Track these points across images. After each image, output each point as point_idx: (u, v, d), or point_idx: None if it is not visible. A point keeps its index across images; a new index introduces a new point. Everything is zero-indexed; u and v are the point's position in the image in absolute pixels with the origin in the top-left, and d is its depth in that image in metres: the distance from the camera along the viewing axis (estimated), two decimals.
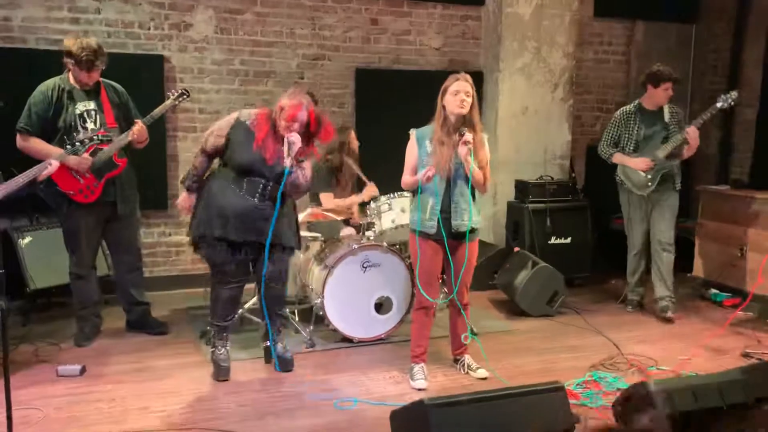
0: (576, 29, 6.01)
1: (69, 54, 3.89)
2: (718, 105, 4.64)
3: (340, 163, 4.82)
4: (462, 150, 3.41)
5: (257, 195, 3.57)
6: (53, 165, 3.48)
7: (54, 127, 3.92)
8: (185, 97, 4.23)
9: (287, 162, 3.48)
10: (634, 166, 4.81)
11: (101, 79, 4.07)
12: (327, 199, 4.76)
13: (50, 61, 4.79)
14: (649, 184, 4.78)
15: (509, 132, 5.89)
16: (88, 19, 5.05)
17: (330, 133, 3.70)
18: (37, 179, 3.47)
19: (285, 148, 3.48)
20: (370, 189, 4.76)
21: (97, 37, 4.97)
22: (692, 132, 4.63)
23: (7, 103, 4.22)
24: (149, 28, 5.21)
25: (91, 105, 4.01)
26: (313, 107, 3.59)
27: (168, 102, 4.18)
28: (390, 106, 5.70)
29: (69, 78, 3.99)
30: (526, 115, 5.92)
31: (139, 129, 4.00)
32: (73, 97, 3.96)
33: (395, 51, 5.91)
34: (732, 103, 4.66)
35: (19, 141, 3.93)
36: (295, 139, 3.48)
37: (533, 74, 5.89)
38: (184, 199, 3.74)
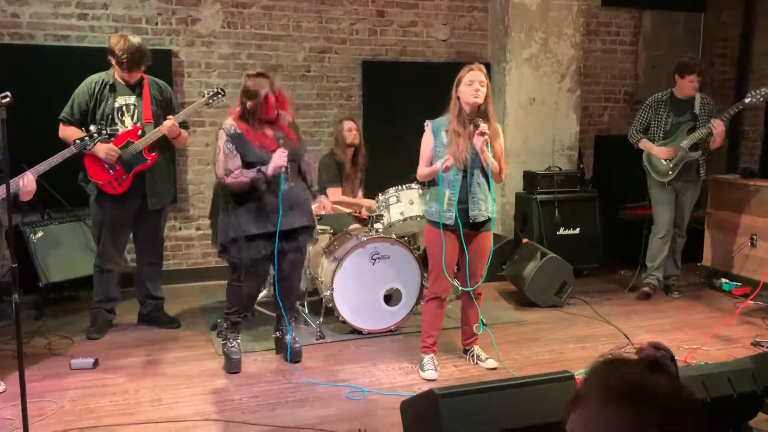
0: (583, 19, 5.98)
1: (111, 52, 3.98)
2: (747, 100, 4.68)
3: (340, 156, 4.86)
4: (478, 142, 3.42)
5: (284, 181, 3.60)
6: (26, 177, 3.32)
7: (93, 118, 4.00)
8: (220, 96, 4.23)
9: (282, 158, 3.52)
10: (657, 154, 4.92)
11: (146, 75, 4.14)
12: (334, 193, 4.79)
13: (58, 57, 4.84)
14: (670, 172, 4.88)
15: (517, 123, 5.88)
16: (96, 14, 5.07)
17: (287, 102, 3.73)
18: (18, 197, 3.31)
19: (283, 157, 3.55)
20: (371, 203, 4.77)
21: (104, 32, 5.02)
22: (718, 125, 4.69)
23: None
24: (156, 23, 5.23)
25: (131, 100, 4.08)
26: (273, 87, 3.58)
27: (201, 100, 4.22)
28: (397, 98, 5.71)
29: (114, 73, 4.07)
30: (533, 105, 5.91)
31: (170, 126, 4.03)
32: (116, 90, 4.05)
33: (402, 43, 5.91)
34: (761, 99, 4.66)
35: (61, 129, 4.04)
36: (282, 157, 3.51)
37: (540, 65, 5.87)
38: (277, 159, 3.54)
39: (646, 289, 5.10)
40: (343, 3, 5.68)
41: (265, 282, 4.20)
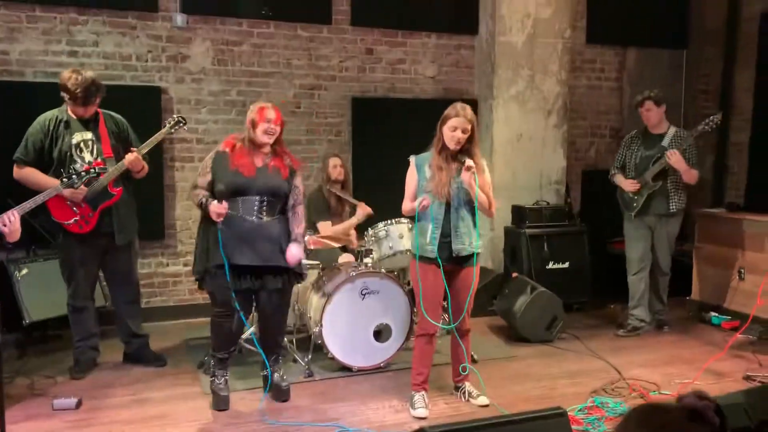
0: (568, 56, 6.09)
1: (64, 88, 3.90)
2: (699, 128, 4.74)
3: (326, 192, 4.88)
4: (465, 176, 3.44)
5: (254, 213, 3.56)
6: (11, 215, 3.23)
7: (50, 157, 3.93)
8: (181, 125, 4.17)
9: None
10: (624, 187, 4.98)
11: (100, 109, 4.08)
12: (324, 227, 4.78)
13: (48, 94, 4.83)
14: (635, 204, 4.92)
15: (505, 158, 5.93)
16: (86, 51, 5.10)
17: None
18: (4, 237, 3.24)
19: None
20: (363, 208, 4.75)
21: (94, 69, 5.02)
22: (671, 155, 4.70)
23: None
24: (146, 60, 5.27)
25: (89, 135, 4.01)
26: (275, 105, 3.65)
27: (163, 130, 4.13)
28: (386, 133, 5.75)
29: (67, 109, 4.00)
30: (521, 141, 5.97)
31: (132, 158, 3.96)
32: (71, 127, 3.97)
33: (391, 80, 5.98)
34: (714, 126, 4.71)
35: (15, 171, 3.94)
36: (218, 212, 3.46)
37: (527, 101, 5.95)
38: (214, 207, 3.50)
39: (620, 332, 5.04)
40: (332, 41, 5.76)
41: (249, 318, 4.08)
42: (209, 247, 3.54)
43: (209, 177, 3.57)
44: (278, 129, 3.62)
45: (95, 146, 4.01)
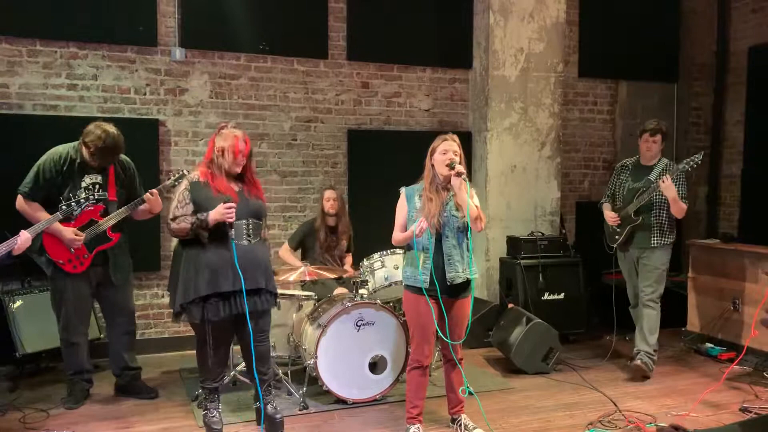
0: (561, 90, 6.18)
1: (84, 144, 3.93)
2: (680, 167, 4.56)
3: (318, 224, 4.97)
4: (455, 182, 3.46)
5: (243, 236, 3.51)
6: (22, 237, 3.34)
7: (58, 194, 3.94)
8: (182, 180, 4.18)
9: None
10: (606, 219, 4.92)
11: None
12: (284, 251, 5.01)
13: (47, 127, 4.90)
14: (617, 237, 4.85)
15: (499, 189, 5.98)
16: (85, 85, 5.16)
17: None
18: (12, 252, 3.33)
19: None
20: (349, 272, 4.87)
21: (93, 102, 5.12)
22: (663, 180, 4.50)
23: None
24: (145, 94, 5.33)
25: (98, 178, 4.06)
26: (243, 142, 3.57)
27: (168, 183, 4.20)
28: (382, 165, 5.81)
29: (82, 149, 3.99)
30: (515, 172, 6.03)
31: (154, 200, 4.05)
32: (83, 168, 4.01)
33: (386, 113, 6.06)
34: (695, 166, 4.55)
35: (20, 202, 3.93)
36: (225, 211, 3.39)
37: (520, 133, 6.03)
38: (221, 207, 3.42)
39: (630, 363, 4.82)
40: (329, 75, 5.84)
41: (230, 348, 3.98)
42: (195, 277, 3.44)
43: (190, 207, 3.47)
44: (245, 161, 3.58)
45: (101, 190, 4.06)
